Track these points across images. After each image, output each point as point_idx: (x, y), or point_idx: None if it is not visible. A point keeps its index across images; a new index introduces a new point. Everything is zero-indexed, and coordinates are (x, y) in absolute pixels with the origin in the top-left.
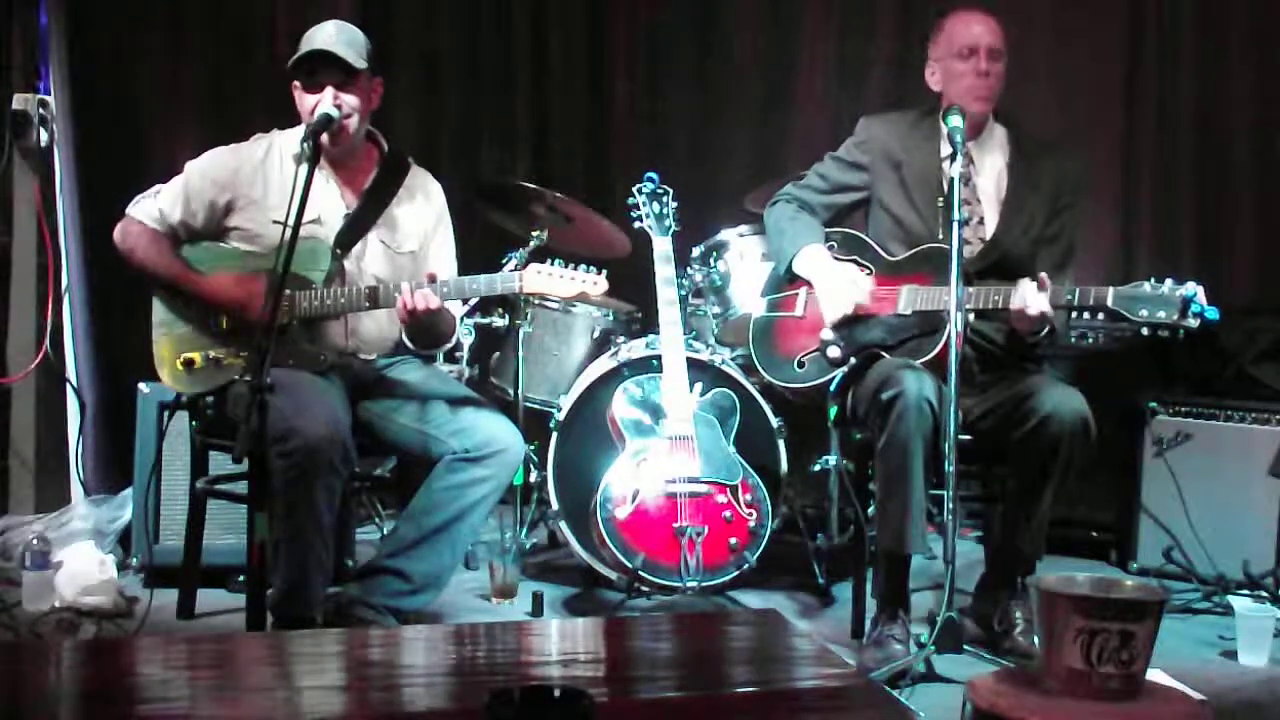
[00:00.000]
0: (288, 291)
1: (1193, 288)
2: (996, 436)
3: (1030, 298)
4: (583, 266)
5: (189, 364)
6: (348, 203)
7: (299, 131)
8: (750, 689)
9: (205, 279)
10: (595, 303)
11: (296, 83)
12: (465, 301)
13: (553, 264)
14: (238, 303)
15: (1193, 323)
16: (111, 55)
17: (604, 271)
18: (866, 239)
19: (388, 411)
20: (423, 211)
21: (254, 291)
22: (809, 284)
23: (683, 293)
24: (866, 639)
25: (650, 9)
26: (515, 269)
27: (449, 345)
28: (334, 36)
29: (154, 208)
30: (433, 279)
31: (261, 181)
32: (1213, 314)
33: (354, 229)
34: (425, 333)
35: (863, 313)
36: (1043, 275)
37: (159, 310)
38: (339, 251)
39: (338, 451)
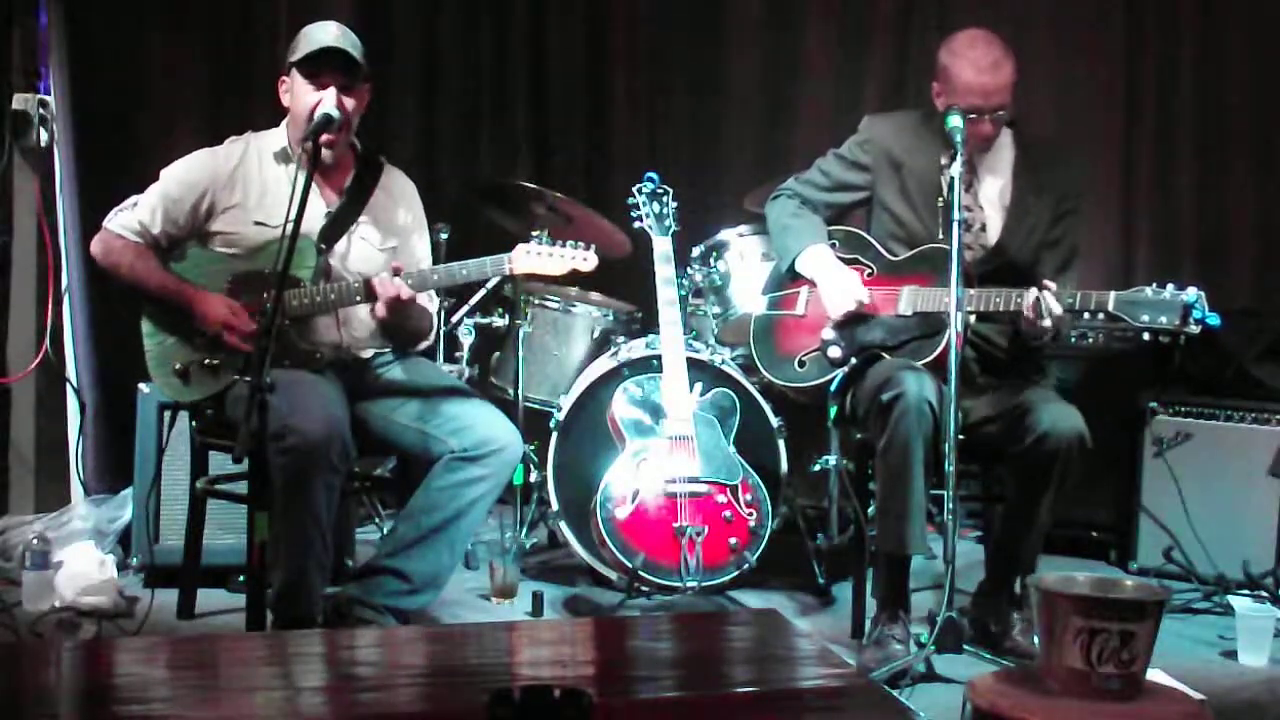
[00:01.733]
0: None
1: (1194, 293)
2: (994, 446)
3: (1052, 305)
4: (570, 243)
5: (184, 373)
6: (327, 200)
7: (277, 132)
8: (750, 689)
9: (199, 292)
10: (595, 302)
11: (288, 77)
12: (465, 300)
13: (540, 243)
14: (227, 323)
15: (1194, 329)
16: (111, 55)
17: (593, 247)
18: (869, 238)
19: (387, 411)
20: (400, 208)
21: (240, 310)
22: (811, 283)
23: (683, 293)
24: (866, 639)
25: (650, 9)
26: None
27: (428, 343)
28: (340, 38)
29: (133, 220)
30: (397, 271)
31: (241, 184)
32: (1214, 320)
33: (337, 226)
34: (399, 329)
35: (865, 312)
36: (1049, 284)
37: (147, 324)
38: (324, 248)
39: (336, 448)
